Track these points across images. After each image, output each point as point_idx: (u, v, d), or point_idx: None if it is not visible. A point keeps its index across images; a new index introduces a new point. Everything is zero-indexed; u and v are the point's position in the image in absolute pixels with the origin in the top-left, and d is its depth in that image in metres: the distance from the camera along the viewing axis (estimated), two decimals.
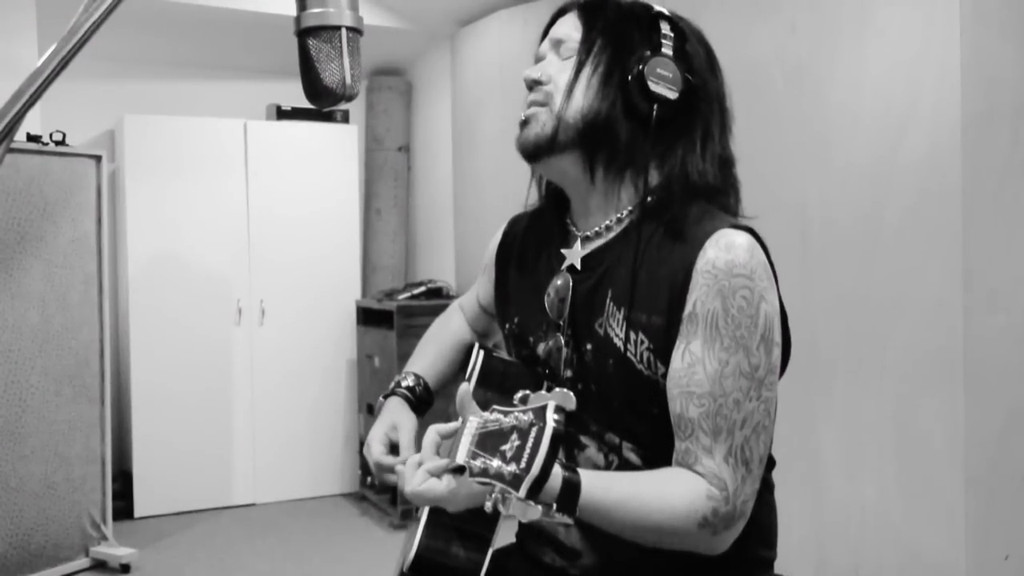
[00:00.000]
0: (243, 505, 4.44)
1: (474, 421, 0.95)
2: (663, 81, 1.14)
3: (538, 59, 1.26)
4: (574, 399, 0.94)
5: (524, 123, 1.21)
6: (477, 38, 4.20)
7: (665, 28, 1.18)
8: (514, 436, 0.89)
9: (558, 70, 1.20)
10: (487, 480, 0.88)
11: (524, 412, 0.91)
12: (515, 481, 0.86)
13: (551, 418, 0.88)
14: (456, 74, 4.44)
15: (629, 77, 1.14)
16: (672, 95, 1.15)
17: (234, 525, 4.16)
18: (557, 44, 1.22)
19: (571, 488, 0.99)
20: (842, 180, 2.35)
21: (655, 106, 1.14)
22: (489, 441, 0.91)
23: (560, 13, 1.26)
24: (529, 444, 0.87)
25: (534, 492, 0.86)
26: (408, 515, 3.97)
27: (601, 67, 1.17)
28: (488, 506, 0.89)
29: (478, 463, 0.89)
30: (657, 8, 1.20)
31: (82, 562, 3.45)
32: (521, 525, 1.34)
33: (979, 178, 2.08)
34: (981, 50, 2.08)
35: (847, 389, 2.36)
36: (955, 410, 2.09)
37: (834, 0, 2.37)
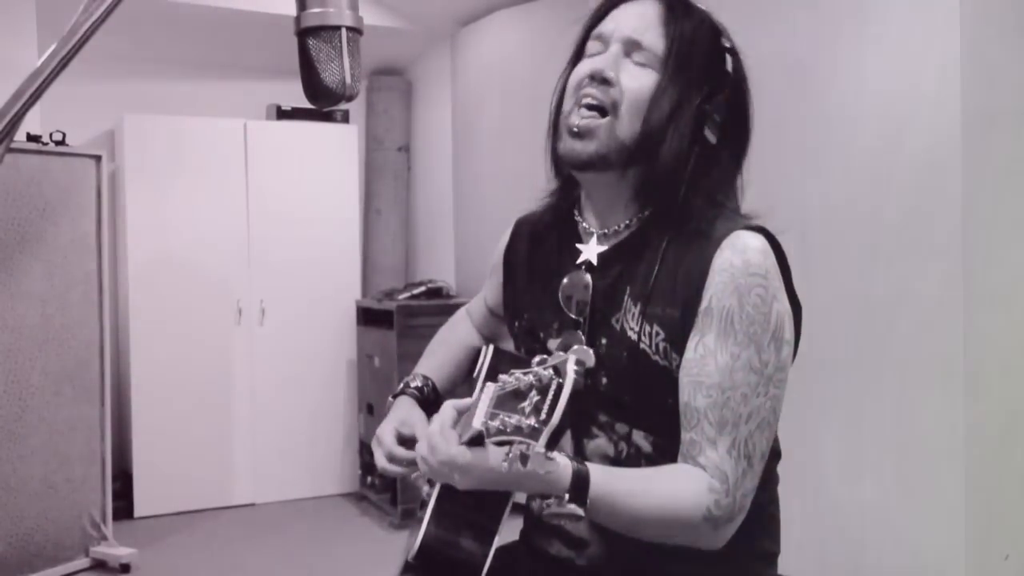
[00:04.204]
0: (243, 505, 4.44)
1: (492, 386, 0.96)
2: (713, 126, 1.15)
3: (599, 38, 1.20)
4: (593, 355, 0.95)
5: (578, 134, 1.16)
6: (477, 38, 4.20)
7: (730, 65, 1.18)
8: (533, 392, 0.91)
9: (630, 77, 1.16)
10: (505, 438, 0.89)
11: (544, 368, 0.92)
12: (534, 433, 0.87)
13: (571, 370, 0.89)
14: (456, 74, 4.44)
15: (694, 111, 1.14)
16: (713, 139, 1.16)
17: (234, 525, 4.16)
18: (632, 45, 1.17)
19: (581, 479, 1.01)
20: (842, 180, 2.35)
21: (697, 147, 1.15)
22: (507, 401, 0.93)
23: None
24: (549, 397, 0.89)
25: (553, 443, 0.87)
26: (408, 515, 3.97)
27: (673, 97, 1.14)
28: (505, 467, 0.89)
29: (496, 423, 0.90)
30: (726, 39, 1.20)
31: (82, 562, 3.45)
32: (527, 518, 1.33)
33: (979, 178, 2.08)
34: (981, 50, 2.08)
35: (847, 389, 2.36)
36: (955, 410, 2.09)
37: (834, 0, 2.37)
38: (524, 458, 0.88)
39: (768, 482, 1.23)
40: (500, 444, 0.90)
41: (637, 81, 1.15)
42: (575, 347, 0.94)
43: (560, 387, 0.89)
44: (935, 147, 2.11)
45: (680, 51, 1.15)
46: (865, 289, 2.30)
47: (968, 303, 2.07)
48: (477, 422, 0.92)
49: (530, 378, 0.92)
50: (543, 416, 0.88)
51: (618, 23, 1.19)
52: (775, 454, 1.25)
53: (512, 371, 0.96)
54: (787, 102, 2.50)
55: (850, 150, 2.33)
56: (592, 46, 1.21)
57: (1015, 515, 2.15)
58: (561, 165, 1.25)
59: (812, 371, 2.42)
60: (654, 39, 1.16)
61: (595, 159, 1.16)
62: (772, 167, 2.54)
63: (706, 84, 1.16)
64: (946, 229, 2.09)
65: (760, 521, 1.20)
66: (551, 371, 0.91)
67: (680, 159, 1.15)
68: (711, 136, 1.15)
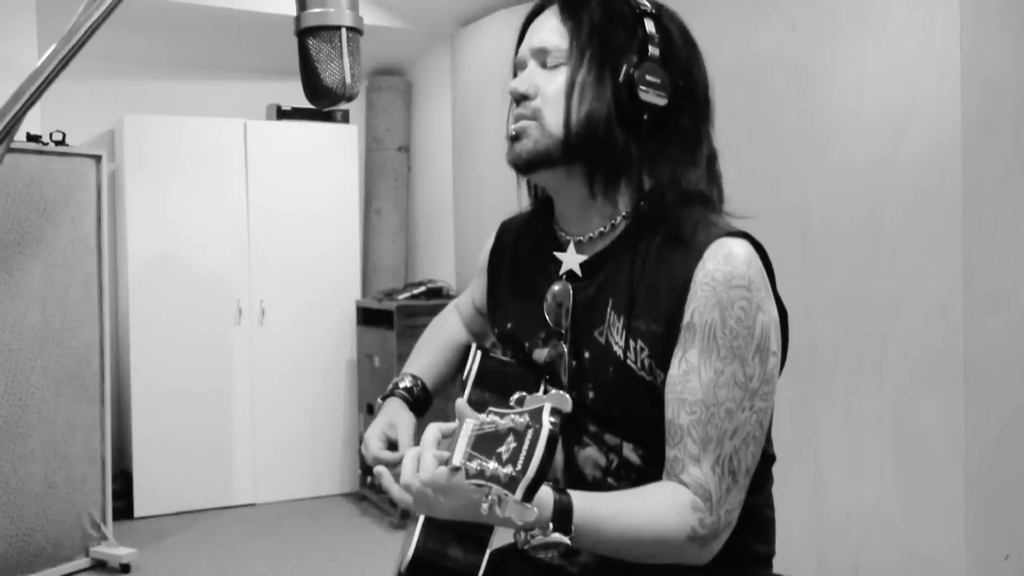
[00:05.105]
0: (243, 505, 4.45)
1: (470, 423, 0.94)
2: (652, 88, 1.13)
3: (518, 65, 1.22)
4: (570, 401, 0.94)
5: (515, 138, 1.18)
6: (477, 38, 4.20)
7: (650, 27, 1.15)
8: (510, 438, 0.89)
9: (545, 81, 1.17)
10: (483, 482, 0.88)
11: (520, 414, 0.90)
12: (511, 483, 0.86)
13: (547, 420, 0.88)
14: (456, 74, 4.44)
15: (620, 83, 1.13)
16: (661, 102, 1.14)
17: (234, 525, 4.16)
18: (541, 53, 1.18)
19: (563, 508, 1.00)
20: (842, 180, 2.35)
21: (645, 114, 1.13)
22: (485, 443, 0.91)
23: (539, 10, 1.22)
24: (525, 446, 0.87)
25: (530, 494, 0.86)
26: (408, 515, 3.97)
27: (591, 78, 1.14)
28: (484, 508, 0.88)
29: (474, 465, 0.89)
30: (641, 4, 1.17)
31: (82, 562, 3.46)
32: None
33: (979, 178, 2.08)
34: (981, 50, 2.08)
35: (847, 389, 2.36)
36: (955, 410, 2.09)
37: (834, 0, 2.37)
38: (502, 504, 0.87)
39: (762, 485, 1.22)
40: (477, 487, 0.89)
41: (553, 82, 1.16)
42: (552, 392, 0.92)
43: (537, 435, 0.87)
44: (935, 147, 2.11)
45: (583, 35, 1.16)
46: (865, 289, 2.29)
47: (968, 303, 2.07)
48: (456, 460, 0.91)
49: (507, 422, 0.91)
50: (519, 466, 0.86)
51: (527, 42, 1.22)
52: (769, 458, 1.24)
53: (489, 410, 0.94)
54: (787, 102, 2.50)
55: (850, 150, 2.33)
56: (517, 74, 1.23)
57: (1015, 515, 2.15)
58: (518, 175, 1.26)
59: (812, 371, 2.42)
60: (558, 39, 1.17)
61: (534, 155, 1.17)
62: (772, 167, 2.54)
63: (628, 53, 1.14)
64: (946, 229, 2.09)
65: (754, 524, 1.19)
66: (527, 417, 0.89)
67: (623, 128, 1.14)
68: (657, 98, 1.13)
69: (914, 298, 2.18)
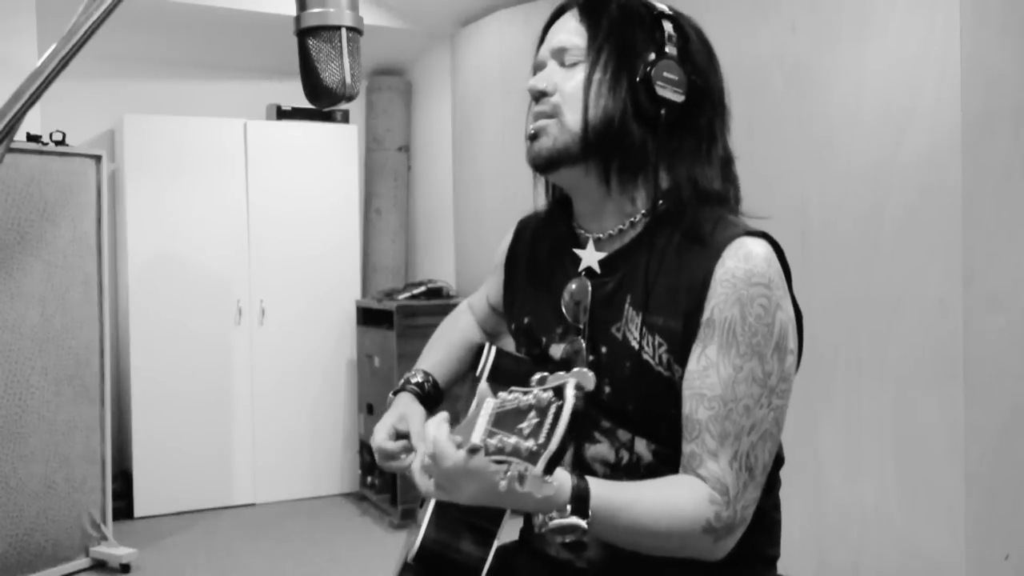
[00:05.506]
0: (243, 505, 4.45)
1: (491, 402, 0.95)
2: (670, 84, 1.15)
3: (538, 66, 1.24)
4: (593, 377, 0.94)
5: (534, 136, 1.20)
6: (477, 38, 4.20)
7: (668, 28, 1.17)
8: (532, 414, 0.89)
9: (563, 79, 1.19)
10: (503, 458, 0.88)
11: (544, 390, 0.91)
12: (532, 457, 0.86)
13: (570, 395, 0.88)
14: (456, 74, 4.44)
15: (637, 80, 1.14)
16: (679, 98, 1.15)
17: (234, 525, 4.16)
18: (560, 52, 1.20)
19: (581, 493, 1.00)
20: (842, 180, 2.35)
21: (663, 111, 1.14)
22: (506, 420, 0.91)
23: (559, 13, 1.25)
24: (548, 420, 0.87)
25: (551, 468, 0.86)
26: (408, 515, 3.97)
27: (608, 74, 1.16)
28: (503, 486, 0.88)
29: (494, 441, 0.89)
30: (659, 7, 1.20)
31: (82, 562, 3.45)
32: (526, 518, 1.34)
33: (979, 178, 2.09)
34: (981, 50, 2.08)
35: (847, 389, 2.36)
36: (955, 410, 2.09)
37: (834, 0, 2.37)
38: (521, 478, 0.87)
39: (771, 487, 1.22)
40: (498, 463, 0.89)
41: (572, 79, 1.18)
42: (575, 369, 0.92)
43: (560, 410, 0.87)
44: (935, 147, 2.12)
45: (600, 33, 1.18)
46: (865, 289, 2.30)
47: (968, 303, 2.07)
48: (476, 438, 0.91)
49: (530, 398, 0.91)
50: (541, 440, 0.86)
51: (547, 43, 1.24)
52: (778, 460, 1.25)
53: (512, 389, 0.94)
54: (787, 102, 2.50)
55: (850, 150, 2.33)
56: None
57: (1015, 515, 2.15)
58: (536, 174, 1.27)
59: (812, 371, 2.42)
60: (577, 38, 1.19)
61: (554, 153, 1.18)
62: (772, 167, 2.54)
63: (645, 51, 1.16)
64: (946, 229, 2.10)
65: (761, 525, 1.20)
66: (551, 393, 0.90)
67: (640, 124, 1.15)
68: (674, 95, 1.15)
69: (914, 298, 2.18)
